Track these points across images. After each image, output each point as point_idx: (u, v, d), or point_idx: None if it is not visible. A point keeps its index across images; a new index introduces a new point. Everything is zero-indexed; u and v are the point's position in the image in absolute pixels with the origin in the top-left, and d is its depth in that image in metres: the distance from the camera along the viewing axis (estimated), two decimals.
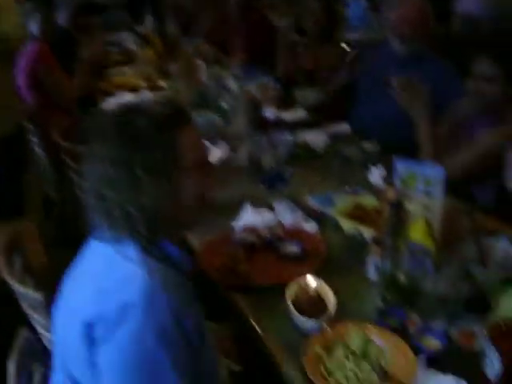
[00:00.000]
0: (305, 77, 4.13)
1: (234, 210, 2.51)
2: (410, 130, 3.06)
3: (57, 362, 1.63)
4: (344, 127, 3.55)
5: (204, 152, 1.67)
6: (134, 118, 1.54)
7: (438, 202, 1.99)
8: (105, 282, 1.48)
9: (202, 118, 3.59)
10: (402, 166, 2.03)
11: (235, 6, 4.87)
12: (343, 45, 4.28)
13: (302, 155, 3.18)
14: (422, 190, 2.02)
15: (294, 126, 3.44)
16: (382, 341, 1.76)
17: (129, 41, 5.46)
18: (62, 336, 1.58)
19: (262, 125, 3.04)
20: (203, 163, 1.63)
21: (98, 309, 1.44)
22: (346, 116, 3.74)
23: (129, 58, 5.19)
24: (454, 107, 3.08)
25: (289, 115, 3.66)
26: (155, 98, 1.87)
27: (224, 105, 3.73)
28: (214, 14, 5.24)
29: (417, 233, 1.98)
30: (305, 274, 1.98)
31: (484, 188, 2.86)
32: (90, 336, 1.44)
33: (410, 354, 1.71)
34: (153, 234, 1.52)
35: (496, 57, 2.77)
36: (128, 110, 1.63)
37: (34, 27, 4.19)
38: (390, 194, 2.05)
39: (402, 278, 1.96)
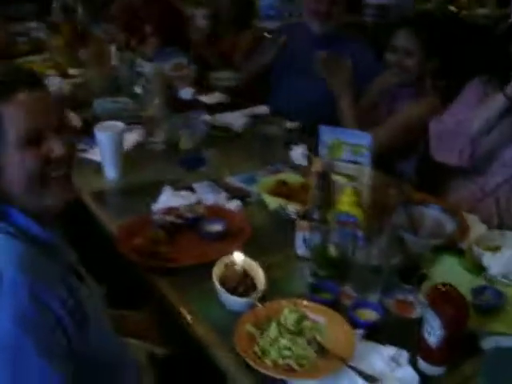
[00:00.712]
0: (220, 61, 4.06)
1: (152, 193, 2.39)
2: (331, 108, 3.08)
3: None
4: (263, 109, 3.48)
5: (32, 126, 1.43)
6: None
7: (366, 170, 1.92)
8: None
9: (115, 103, 3.48)
10: (327, 134, 1.94)
11: None
12: (264, 33, 4.23)
13: (221, 136, 3.11)
14: (350, 158, 1.94)
15: (212, 108, 3.37)
16: (316, 316, 1.68)
17: (37, 30, 5.24)
18: None
19: (178, 106, 2.94)
20: (32, 140, 1.43)
21: None
22: (263, 98, 3.71)
23: (37, 48, 4.95)
24: (375, 81, 3.12)
25: (206, 98, 3.59)
26: None
27: (137, 89, 3.62)
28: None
29: (345, 204, 1.89)
30: (230, 252, 1.87)
31: (406, 161, 2.88)
32: None
33: (347, 327, 1.63)
34: None
35: (415, 30, 2.83)
36: None
37: None
38: (316, 165, 1.97)
39: (332, 250, 1.88)
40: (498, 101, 2.41)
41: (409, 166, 2.90)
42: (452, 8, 7.43)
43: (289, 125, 2.98)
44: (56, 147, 1.46)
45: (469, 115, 2.51)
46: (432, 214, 1.89)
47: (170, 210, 2.19)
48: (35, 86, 1.47)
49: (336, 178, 1.98)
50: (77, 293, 1.45)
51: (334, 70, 3.03)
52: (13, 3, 6.21)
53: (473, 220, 2.24)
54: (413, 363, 1.55)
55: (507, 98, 2.37)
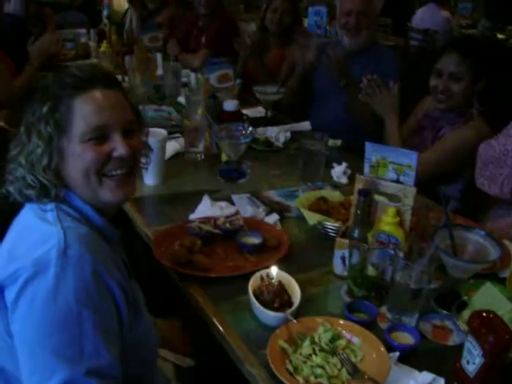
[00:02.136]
0: (267, 76, 4.08)
1: (191, 202, 2.39)
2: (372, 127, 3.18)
3: None
4: (305, 125, 3.47)
5: (100, 124, 1.48)
6: (51, 78, 1.52)
7: (409, 190, 1.87)
8: (19, 244, 1.42)
9: (158, 111, 3.51)
10: (372, 151, 1.91)
11: (206, 5, 4.79)
12: None
13: (262, 150, 3.12)
14: (393, 177, 1.90)
15: (255, 122, 3.35)
16: (351, 336, 1.65)
17: (85, 37, 5.31)
18: None
19: (221, 117, 2.92)
20: (97, 137, 1.48)
21: (9, 270, 1.34)
22: (305, 114, 3.73)
23: (85, 53, 5.07)
24: (418, 104, 3.11)
25: (249, 111, 3.59)
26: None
27: (181, 99, 3.64)
28: (175, 9, 5.20)
29: (386, 224, 1.86)
30: (267, 266, 1.85)
31: (451, 185, 2.84)
32: (2, 301, 1.35)
33: (382, 349, 1.59)
34: (44, 194, 1.47)
35: (463, 54, 2.79)
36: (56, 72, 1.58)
37: None
38: (359, 183, 1.94)
39: (370, 270, 1.84)
40: None
41: (453, 190, 2.85)
42: (500, 36, 7.39)
43: (331, 142, 2.95)
44: (120, 147, 1.49)
45: None
46: (475, 238, 1.84)
47: (207, 220, 2.18)
48: (110, 85, 1.52)
49: (378, 197, 1.94)
50: (129, 282, 1.52)
51: (378, 93, 3.01)
52: (62, 11, 6.34)
53: None
54: None
55: None
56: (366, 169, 1.95)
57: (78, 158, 1.46)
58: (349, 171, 2.71)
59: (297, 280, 1.85)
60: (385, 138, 3.01)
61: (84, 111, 1.45)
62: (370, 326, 1.71)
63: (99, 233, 1.49)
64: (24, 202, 1.51)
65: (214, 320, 1.75)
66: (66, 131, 1.45)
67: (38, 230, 1.42)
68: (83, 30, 5.42)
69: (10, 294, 1.33)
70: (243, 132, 2.71)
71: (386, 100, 3.01)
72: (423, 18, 7.43)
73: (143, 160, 1.68)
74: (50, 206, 1.46)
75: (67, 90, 1.46)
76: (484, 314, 1.48)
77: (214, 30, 4.74)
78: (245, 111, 3.47)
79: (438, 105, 2.93)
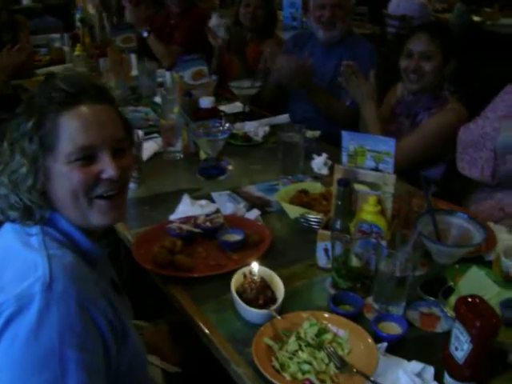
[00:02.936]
0: (243, 71, 4.05)
1: (171, 202, 2.36)
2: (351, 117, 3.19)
3: None
4: (283, 118, 3.45)
5: (87, 143, 1.38)
6: (37, 90, 1.43)
7: (389, 178, 1.85)
8: (2, 273, 1.33)
9: (135, 112, 3.48)
10: (350, 140, 1.88)
11: (178, 3, 4.74)
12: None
13: (241, 145, 3.10)
14: (372, 165, 1.88)
15: (232, 117, 3.35)
16: (338, 329, 1.62)
17: (59, 41, 5.26)
18: None
19: (197, 115, 2.89)
20: (85, 157, 1.38)
21: None
22: (283, 107, 3.71)
23: (59, 58, 5.02)
24: (389, 91, 3.09)
25: (226, 107, 3.57)
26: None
27: (157, 99, 3.61)
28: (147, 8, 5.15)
29: (368, 213, 1.83)
30: (249, 262, 1.82)
31: (432, 169, 2.82)
32: None
33: (370, 340, 1.56)
34: (28, 215, 1.38)
35: (433, 34, 2.79)
36: (41, 83, 1.49)
37: None
38: (338, 173, 1.91)
39: (354, 261, 1.81)
40: None
41: (434, 174, 2.83)
42: (476, 18, 7.40)
43: (309, 133, 2.93)
44: (110, 169, 1.40)
45: (495, 125, 2.44)
46: (458, 222, 1.81)
47: (187, 219, 2.14)
48: (100, 99, 1.42)
49: (358, 186, 1.92)
50: (117, 307, 1.44)
51: (356, 81, 2.99)
52: (35, 17, 6.28)
53: (499, 230, 2.17)
54: (439, 379, 1.48)
55: None
56: (344, 158, 1.92)
57: (65, 179, 1.37)
58: (329, 162, 2.68)
59: (280, 275, 1.82)
60: (362, 125, 2.99)
61: (70, 129, 1.35)
62: (357, 317, 1.69)
63: (85, 257, 1.42)
64: (5, 221, 1.43)
65: (198, 321, 1.72)
66: (51, 150, 1.35)
67: (22, 257, 1.33)
68: (57, 35, 5.36)
69: None
70: (220, 128, 2.68)
71: (362, 87, 2.98)
72: (399, 4, 7.39)
73: (132, 174, 1.60)
74: (35, 229, 1.38)
75: (53, 105, 1.36)
76: (470, 299, 1.45)
77: (186, 28, 4.68)
78: (222, 107, 3.48)
79: (410, 86, 2.92)
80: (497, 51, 6.05)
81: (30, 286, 1.25)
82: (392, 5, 7.65)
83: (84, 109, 1.37)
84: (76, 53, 4.73)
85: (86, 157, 1.38)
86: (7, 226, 1.43)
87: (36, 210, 1.38)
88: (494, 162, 2.44)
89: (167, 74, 3.50)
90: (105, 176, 1.41)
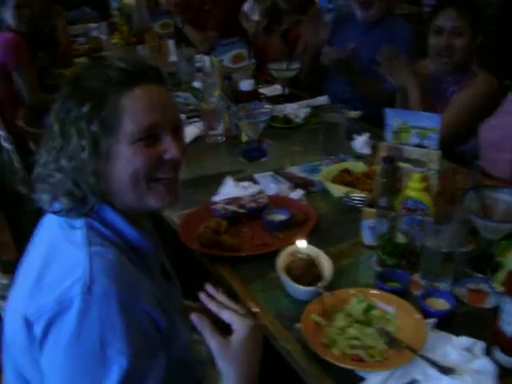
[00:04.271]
0: (282, 53, 4.03)
1: (214, 185, 2.38)
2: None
3: (6, 359, 1.43)
4: (323, 99, 3.44)
5: (151, 123, 1.36)
6: (87, 72, 1.39)
7: (434, 154, 1.84)
8: (46, 272, 1.31)
9: (175, 98, 3.48)
10: (393, 117, 1.87)
11: None
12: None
13: (282, 127, 3.10)
14: (417, 142, 1.87)
15: (272, 100, 3.36)
16: (385, 305, 1.62)
17: (96, 31, 5.30)
18: (10, 330, 1.37)
19: (238, 98, 2.90)
20: (148, 137, 1.36)
21: (36, 303, 1.26)
22: (323, 89, 3.69)
23: (97, 47, 5.05)
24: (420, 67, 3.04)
25: (266, 90, 3.58)
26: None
27: (197, 84, 3.63)
28: None
29: (413, 190, 1.82)
30: (295, 241, 1.83)
31: (466, 145, 2.79)
32: (31, 335, 1.26)
33: (418, 316, 1.56)
34: (81, 204, 1.35)
35: (462, 9, 2.77)
36: (89, 66, 1.47)
37: (7, 15, 3.87)
38: (382, 150, 1.91)
39: (400, 238, 1.81)
40: None
41: (470, 148, 2.80)
42: None
43: (350, 114, 2.92)
44: (172, 149, 1.39)
45: None
46: (505, 198, 1.79)
47: (231, 200, 2.16)
48: (160, 80, 1.40)
49: (403, 164, 1.91)
50: (163, 302, 1.42)
51: (398, 65, 2.95)
52: (73, 8, 6.35)
53: None
54: (489, 354, 1.48)
55: None
56: (388, 135, 1.91)
57: (128, 160, 1.34)
58: (371, 141, 2.67)
59: (327, 253, 1.83)
60: (408, 107, 2.96)
61: (134, 109, 1.32)
62: (404, 294, 1.69)
63: (132, 249, 1.41)
64: (50, 213, 1.39)
65: (246, 299, 1.74)
66: (113, 131, 1.32)
67: (64, 255, 1.31)
68: (94, 25, 5.40)
69: (36, 331, 1.25)
70: (261, 111, 2.68)
71: (404, 70, 2.94)
72: None
73: None
74: (80, 222, 1.35)
75: (113, 85, 1.32)
76: None
77: (221, 13, 4.68)
78: (262, 90, 3.47)
79: (439, 65, 2.88)
80: None
81: (70, 288, 1.23)
82: None
83: (146, 89, 1.35)
84: (114, 41, 4.78)
85: (150, 137, 1.36)
86: (50, 218, 1.41)
87: (91, 197, 1.35)
88: None
89: (206, 58, 3.52)
90: (167, 157, 1.39)
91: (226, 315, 1.36)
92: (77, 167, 1.33)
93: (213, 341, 1.33)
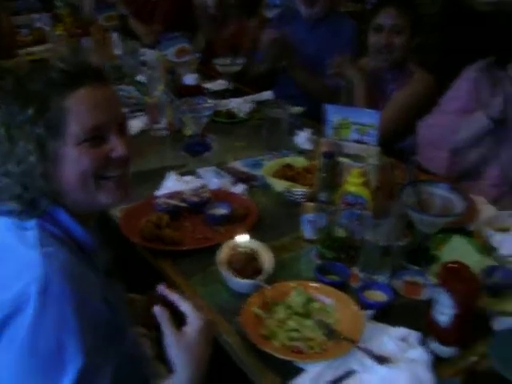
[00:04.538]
0: (227, 48, 4.04)
1: (157, 179, 2.37)
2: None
3: None
4: (267, 94, 3.46)
5: (96, 124, 1.35)
6: (28, 75, 1.37)
7: (373, 149, 1.88)
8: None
9: (118, 91, 3.46)
10: (334, 114, 1.91)
11: None
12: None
13: (225, 122, 3.11)
14: (356, 137, 1.90)
15: (217, 95, 3.37)
16: (325, 298, 1.66)
17: (40, 21, 5.20)
18: None
19: (181, 92, 2.90)
20: (94, 138, 1.36)
21: None
22: (268, 85, 3.69)
23: (41, 38, 4.94)
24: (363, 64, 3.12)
25: (211, 84, 3.58)
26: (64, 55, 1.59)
27: (141, 77, 3.61)
28: None
29: (352, 184, 1.86)
30: (236, 235, 1.85)
31: (404, 141, 2.86)
32: None
33: (356, 308, 1.60)
34: (31, 207, 1.34)
35: (402, 7, 2.84)
36: (31, 68, 1.47)
37: None
38: (322, 146, 1.94)
39: (339, 232, 1.85)
40: (480, 121, 2.39)
41: (407, 146, 2.87)
42: None
43: (293, 109, 2.95)
44: (119, 148, 1.39)
45: (452, 126, 2.48)
46: (440, 193, 1.85)
47: (174, 194, 2.17)
48: (102, 80, 1.40)
49: (343, 159, 1.95)
50: (112, 301, 1.42)
51: (352, 67, 3.01)
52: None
53: (481, 201, 2.21)
54: (424, 344, 1.52)
55: (489, 119, 2.34)
56: (328, 131, 1.95)
57: (75, 161, 1.34)
58: (313, 137, 2.71)
59: (268, 247, 1.85)
60: (353, 103, 3.01)
61: (78, 110, 1.32)
62: (343, 286, 1.72)
63: (81, 249, 1.41)
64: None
65: (187, 293, 1.74)
66: (58, 133, 1.31)
67: (17, 254, 1.30)
68: (37, 15, 5.31)
69: None
70: (204, 105, 2.69)
71: (350, 67, 3.01)
72: None
73: None
74: (31, 223, 1.33)
75: (55, 87, 1.31)
76: (452, 266, 1.49)
77: (167, 6, 4.66)
78: (206, 85, 3.47)
79: (379, 63, 2.94)
80: (476, 28, 6.07)
81: (26, 287, 1.22)
82: None
83: (89, 89, 1.35)
84: (57, 32, 4.70)
85: (96, 137, 1.36)
86: (1, 220, 1.39)
87: (41, 199, 1.35)
88: (451, 161, 2.49)
89: (150, 52, 3.50)
90: (115, 155, 1.39)
91: (185, 306, 1.39)
92: (25, 171, 1.32)
93: (168, 330, 1.36)
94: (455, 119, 2.49)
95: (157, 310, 1.38)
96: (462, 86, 2.55)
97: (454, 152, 2.48)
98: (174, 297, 1.42)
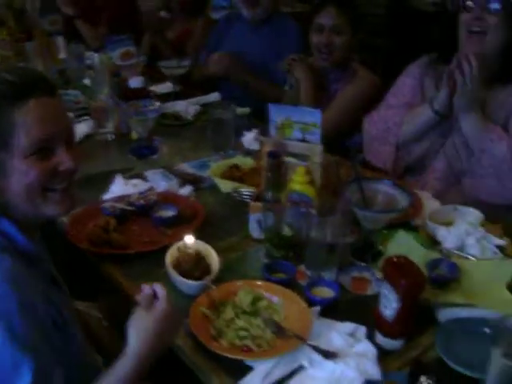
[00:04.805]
0: (173, 51, 4.05)
1: (104, 183, 2.35)
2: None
3: None
4: (214, 96, 3.47)
5: (44, 137, 1.36)
6: None
7: (317, 148, 1.90)
8: None
9: (64, 96, 3.43)
10: (277, 113, 1.93)
11: None
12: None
13: (172, 124, 3.11)
14: (300, 136, 1.92)
15: (163, 97, 3.36)
16: (272, 296, 1.67)
17: None
18: None
19: (127, 95, 2.89)
20: (41, 151, 1.36)
21: None
22: (214, 87, 3.69)
23: None
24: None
25: (157, 87, 3.56)
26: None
27: (86, 81, 3.58)
28: None
29: (297, 183, 1.88)
30: (183, 237, 1.85)
31: (351, 139, 2.90)
32: None
33: (303, 305, 1.62)
34: None
35: (342, 7, 2.89)
36: None
37: None
38: (267, 146, 1.95)
39: (286, 231, 1.87)
40: (425, 114, 2.44)
41: (356, 142, 2.91)
42: None
43: (239, 110, 2.97)
44: (66, 161, 1.40)
45: (397, 120, 2.54)
46: (385, 189, 1.88)
47: (120, 198, 2.16)
48: (50, 92, 1.39)
49: (288, 158, 1.96)
50: (57, 303, 1.43)
51: (301, 66, 3.04)
52: None
53: (425, 196, 2.25)
54: (371, 338, 1.55)
55: (434, 113, 2.39)
56: (272, 131, 1.97)
57: (22, 174, 1.34)
58: (260, 137, 2.72)
59: (216, 247, 1.86)
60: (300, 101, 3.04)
61: (26, 123, 1.31)
62: (290, 284, 1.74)
63: (25, 258, 1.40)
64: None
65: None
66: (6, 145, 1.32)
67: None
68: None
69: None
70: (151, 108, 2.68)
71: (296, 65, 3.04)
72: None
73: None
74: None
75: (3, 99, 1.31)
76: (396, 260, 1.52)
77: (113, 9, 4.63)
78: (152, 87, 3.46)
79: (321, 62, 2.98)
80: (419, 28, 6.18)
81: None
82: None
83: (37, 102, 1.34)
84: (1, 37, 4.62)
85: (43, 150, 1.36)
86: None
87: None
88: (396, 155, 2.54)
89: (95, 55, 3.47)
90: (62, 168, 1.40)
91: (159, 289, 1.44)
92: None
93: (136, 309, 1.41)
94: (400, 113, 2.54)
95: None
96: (406, 81, 2.60)
97: (399, 146, 2.52)
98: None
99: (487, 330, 1.53)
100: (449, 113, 2.36)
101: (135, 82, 2.93)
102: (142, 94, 2.91)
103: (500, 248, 1.91)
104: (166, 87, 3.62)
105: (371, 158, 2.61)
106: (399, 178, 2.55)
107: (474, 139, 2.30)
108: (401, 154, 2.54)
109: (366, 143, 2.65)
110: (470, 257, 1.87)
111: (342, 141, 2.85)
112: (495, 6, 2.21)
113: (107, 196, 2.24)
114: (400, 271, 1.47)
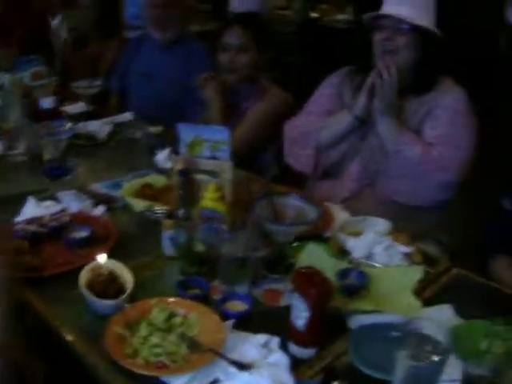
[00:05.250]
0: (85, 70, 4.02)
1: (16, 206, 2.31)
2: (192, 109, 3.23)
3: None
4: (126, 116, 3.46)
5: None
6: None
7: (226, 165, 1.94)
8: None
9: None
10: (186, 132, 1.96)
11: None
12: None
13: (85, 144, 3.08)
14: (209, 154, 1.96)
15: (75, 118, 3.33)
16: (186, 312, 1.69)
17: None
18: None
19: (38, 116, 2.87)
20: None
21: None
22: (127, 106, 3.71)
23: None
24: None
25: (69, 107, 3.52)
26: None
27: None
28: None
29: (208, 200, 1.92)
30: (97, 257, 1.85)
31: (265, 155, 2.95)
32: None
33: (217, 319, 1.65)
34: None
35: (246, 27, 2.96)
36: None
37: None
38: (177, 164, 1.98)
39: (198, 247, 1.90)
40: (345, 119, 2.54)
41: (269, 158, 2.97)
42: (314, 14, 7.71)
43: (151, 129, 2.99)
44: None
45: (318, 125, 2.61)
46: (294, 203, 1.93)
47: (32, 220, 2.14)
48: None
49: (199, 175, 2.00)
50: None
51: (212, 84, 3.08)
52: None
53: (336, 208, 2.32)
54: (284, 348, 1.59)
55: (354, 118, 2.49)
56: (182, 149, 1.99)
57: None
58: (172, 155, 2.74)
59: (131, 266, 1.87)
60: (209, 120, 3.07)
61: None
62: (205, 299, 1.76)
63: None
64: None
65: (50, 318, 1.74)
66: None
67: None
68: None
69: None
70: (63, 128, 2.67)
71: (209, 86, 3.08)
72: (242, 1, 7.50)
73: None
74: None
75: None
76: (304, 270, 1.57)
77: (23, 29, 4.57)
78: (65, 108, 3.43)
79: (229, 80, 3.04)
80: (331, 45, 6.36)
81: None
82: (234, 1, 7.74)
83: None
84: None
85: None
86: None
87: None
88: (315, 158, 2.62)
89: (5, 76, 3.43)
90: None
91: None
92: None
93: None
94: (320, 119, 2.62)
95: None
96: (325, 90, 2.69)
97: (318, 150, 2.59)
98: None
99: (394, 334, 1.59)
100: (367, 117, 2.47)
101: (46, 102, 2.92)
102: (54, 114, 2.90)
103: (406, 255, 1.99)
104: (78, 107, 3.59)
105: (292, 161, 2.67)
106: (318, 181, 2.64)
107: (389, 141, 2.40)
108: (319, 157, 2.61)
109: (287, 147, 2.71)
110: (377, 265, 1.94)
111: (255, 157, 2.91)
112: (406, 26, 2.33)
113: (19, 219, 2.21)
114: (308, 281, 1.52)
